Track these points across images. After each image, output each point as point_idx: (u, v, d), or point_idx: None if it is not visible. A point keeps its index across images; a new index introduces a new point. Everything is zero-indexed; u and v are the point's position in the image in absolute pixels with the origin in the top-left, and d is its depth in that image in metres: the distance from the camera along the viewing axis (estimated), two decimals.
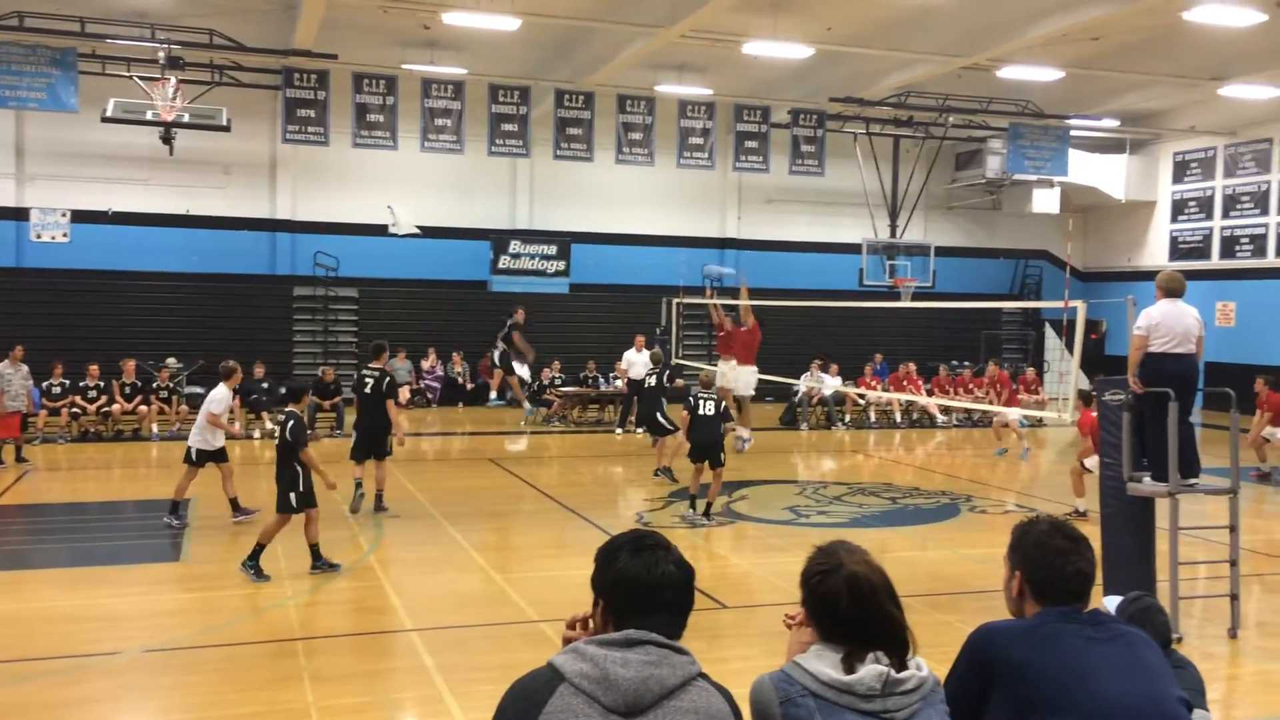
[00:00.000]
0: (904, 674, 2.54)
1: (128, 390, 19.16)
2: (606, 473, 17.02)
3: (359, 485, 12.55)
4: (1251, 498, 14.33)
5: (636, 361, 20.47)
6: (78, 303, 22.75)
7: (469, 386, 24.54)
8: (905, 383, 23.40)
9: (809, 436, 21.22)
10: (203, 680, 7.15)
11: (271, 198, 24.79)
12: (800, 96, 24.31)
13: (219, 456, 11.97)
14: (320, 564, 9.69)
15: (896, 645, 2.57)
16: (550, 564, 10.60)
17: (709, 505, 12.49)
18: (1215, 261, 27.10)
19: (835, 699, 2.47)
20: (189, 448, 11.99)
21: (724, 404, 12.83)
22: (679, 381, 16.60)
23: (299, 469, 9.50)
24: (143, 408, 19.06)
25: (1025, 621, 2.93)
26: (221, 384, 11.98)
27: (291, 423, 9.53)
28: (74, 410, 18.77)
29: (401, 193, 25.10)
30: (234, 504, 12.03)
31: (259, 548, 9.53)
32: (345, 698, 6.85)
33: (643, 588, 2.41)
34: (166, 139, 19.49)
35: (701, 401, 12.42)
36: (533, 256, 26.04)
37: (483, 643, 8.09)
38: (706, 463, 12.31)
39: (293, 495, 9.47)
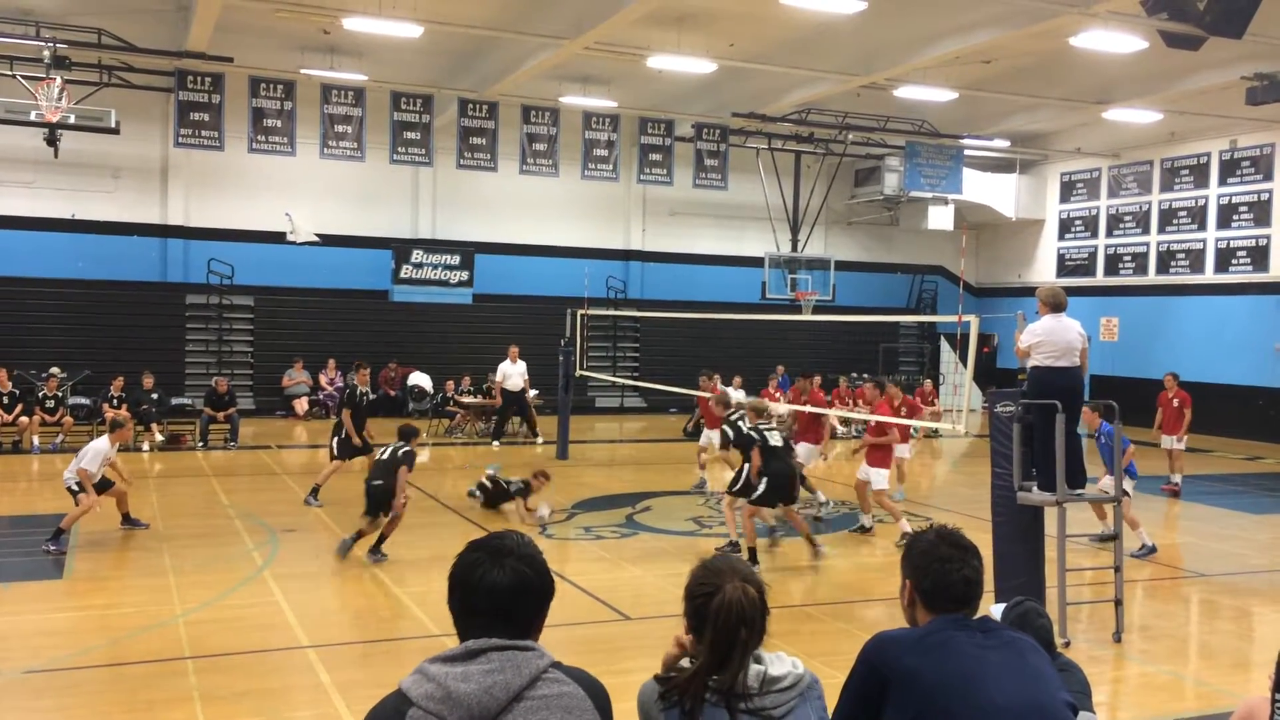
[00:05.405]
0: (781, 672, 2.62)
1: (5, 401, 18.36)
2: None
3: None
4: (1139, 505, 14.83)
5: (512, 373, 20.36)
6: None
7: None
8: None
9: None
10: (86, 702, 6.87)
11: (163, 203, 24.08)
12: (703, 111, 24.58)
13: (102, 486, 11.26)
14: (378, 553, 10.66)
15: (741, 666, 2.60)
16: None
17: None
18: (1100, 278, 28.15)
19: (713, 699, 2.55)
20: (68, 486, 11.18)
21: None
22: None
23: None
24: (23, 419, 18.29)
25: (918, 630, 2.99)
26: (105, 436, 11.39)
27: (405, 449, 10.81)
28: None
29: (300, 200, 24.61)
30: (125, 516, 11.69)
31: (381, 537, 10.73)
32: (238, 718, 6.65)
33: (477, 593, 2.38)
34: (51, 141, 18.80)
35: (766, 433, 11.21)
36: (435, 266, 25.75)
37: (383, 658, 7.95)
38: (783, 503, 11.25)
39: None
